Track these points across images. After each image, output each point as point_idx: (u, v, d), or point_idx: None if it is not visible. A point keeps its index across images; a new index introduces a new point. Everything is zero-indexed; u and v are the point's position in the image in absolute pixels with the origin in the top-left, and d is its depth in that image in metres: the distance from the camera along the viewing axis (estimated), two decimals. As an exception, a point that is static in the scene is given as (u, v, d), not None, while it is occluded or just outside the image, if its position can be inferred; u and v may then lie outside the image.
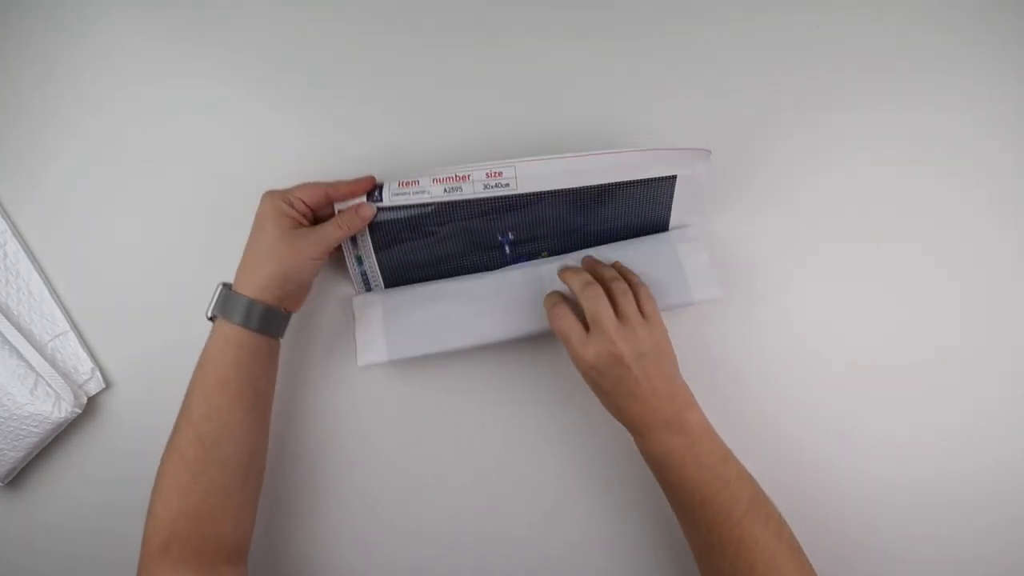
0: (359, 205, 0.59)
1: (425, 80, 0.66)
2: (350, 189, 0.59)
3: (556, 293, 0.60)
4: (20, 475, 0.66)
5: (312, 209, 0.59)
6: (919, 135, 0.66)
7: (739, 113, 0.66)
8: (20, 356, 0.63)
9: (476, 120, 0.66)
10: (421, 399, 0.66)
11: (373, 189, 0.60)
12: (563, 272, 0.61)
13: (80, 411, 0.64)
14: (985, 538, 0.64)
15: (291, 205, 0.58)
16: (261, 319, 0.57)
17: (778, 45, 0.66)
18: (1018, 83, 0.65)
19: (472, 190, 0.59)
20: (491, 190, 0.60)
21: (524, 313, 0.63)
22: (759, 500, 0.53)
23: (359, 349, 0.62)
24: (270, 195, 0.58)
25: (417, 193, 0.60)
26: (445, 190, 0.59)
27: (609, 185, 0.61)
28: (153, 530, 0.54)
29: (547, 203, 0.61)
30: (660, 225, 0.64)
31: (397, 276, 0.65)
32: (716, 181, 0.65)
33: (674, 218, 0.64)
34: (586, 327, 0.56)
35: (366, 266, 0.64)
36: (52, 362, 0.64)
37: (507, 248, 0.64)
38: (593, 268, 0.61)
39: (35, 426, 0.62)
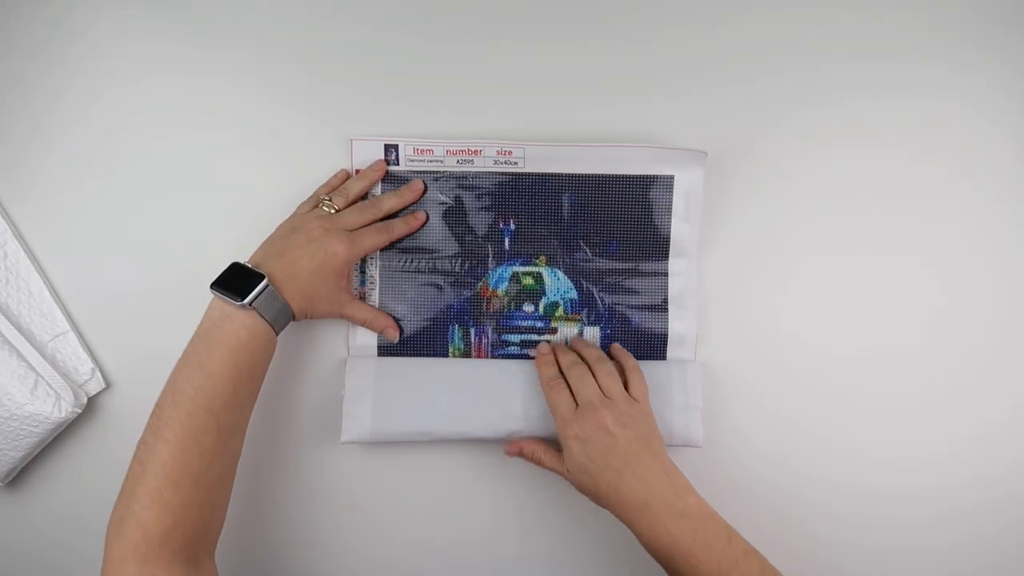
0: (387, 323, 0.65)
1: (432, 78, 0.66)
2: (408, 228, 0.64)
3: (553, 366, 0.61)
4: (20, 475, 0.66)
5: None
6: (921, 133, 0.66)
7: (737, 115, 0.66)
8: (20, 356, 0.63)
9: (481, 119, 0.66)
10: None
11: (389, 149, 0.64)
12: (552, 349, 0.63)
13: (80, 411, 0.64)
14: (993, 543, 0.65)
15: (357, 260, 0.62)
16: (285, 325, 0.58)
17: (778, 44, 0.66)
18: (1020, 78, 0.65)
19: (483, 164, 0.64)
20: (501, 166, 0.64)
21: (516, 412, 0.63)
22: (768, 572, 0.53)
23: (344, 426, 0.62)
24: (354, 246, 0.60)
25: (431, 161, 0.64)
26: (458, 161, 0.64)
27: (610, 178, 0.64)
28: (158, 516, 0.50)
29: (550, 194, 0.65)
30: (661, 241, 0.65)
31: (395, 252, 0.66)
32: (715, 184, 0.65)
33: (675, 231, 0.64)
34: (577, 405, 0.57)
35: None
36: (52, 362, 0.64)
37: (507, 241, 0.65)
38: (580, 348, 0.63)
39: (35, 426, 0.62)
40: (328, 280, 0.59)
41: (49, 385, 0.63)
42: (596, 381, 0.58)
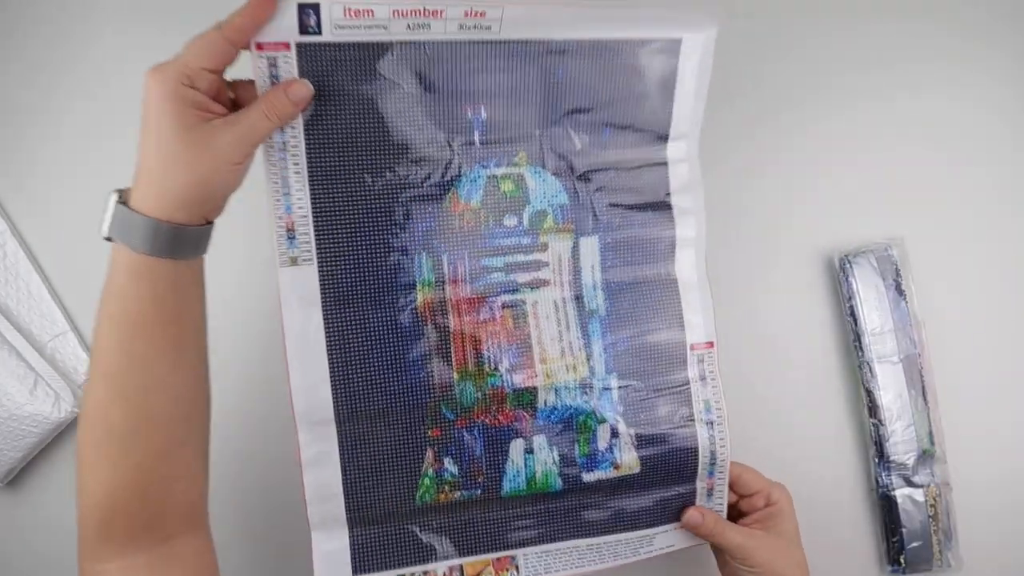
0: (289, 83, 0.45)
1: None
2: (250, 17, 0.43)
3: None
4: (19, 475, 0.66)
5: (218, 73, 0.44)
6: (927, 128, 0.66)
7: (739, 115, 0.66)
8: (20, 356, 0.63)
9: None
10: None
11: (306, 11, 0.44)
12: None
13: (79, 411, 0.64)
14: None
15: (192, 84, 0.43)
16: (173, 243, 0.43)
17: (778, 43, 0.66)
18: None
19: (444, 30, 0.47)
20: (468, 32, 0.47)
21: None
22: None
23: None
24: (160, 74, 0.42)
25: (369, 27, 0.46)
26: (409, 26, 0.46)
27: (604, 45, 0.50)
28: (88, 509, 0.45)
29: (531, 67, 0.50)
30: (661, 121, 0.54)
31: (331, 167, 0.48)
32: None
33: (678, 108, 0.53)
34: None
35: (287, 137, 0.47)
36: (52, 362, 0.64)
37: (477, 135, 0.50)
38: None
39: (34, 426, 0.62)
40: (183, 150, 0.42)
41: (48, 385, 0.63)
42: None
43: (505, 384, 0.53)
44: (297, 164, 0.48)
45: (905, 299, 0.63)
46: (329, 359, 0.49)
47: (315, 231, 0.49)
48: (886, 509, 0.63)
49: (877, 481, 0.63)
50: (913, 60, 0.65)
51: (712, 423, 0.56)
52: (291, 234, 0.48)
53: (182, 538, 0.47)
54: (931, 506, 0.62)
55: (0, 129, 0.66)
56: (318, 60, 0.46)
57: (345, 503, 0.51)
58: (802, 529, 0.55)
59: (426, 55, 0.48)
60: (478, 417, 0.52)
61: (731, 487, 0.56)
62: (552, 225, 0.53)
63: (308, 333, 0.49)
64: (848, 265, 0.63)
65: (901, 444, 0.62)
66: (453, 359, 0.52)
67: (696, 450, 0.55)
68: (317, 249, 0.49)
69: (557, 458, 0.53)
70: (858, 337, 0.63)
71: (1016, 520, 0.65)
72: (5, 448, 0.63)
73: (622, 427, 0.54)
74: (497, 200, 0.52)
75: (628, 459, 0.54)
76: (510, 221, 0.52)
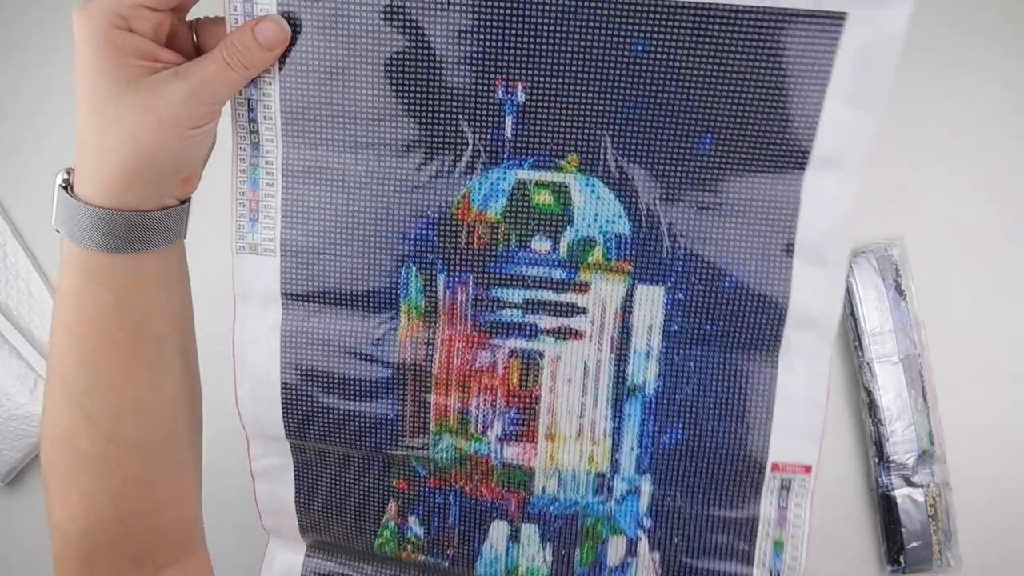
0: (259, 20, 0.34)
1: None
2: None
3: None
4: (20, 475, 0.66)
5: (163, 10, 0.34)
6: (927, 128, 0.65)
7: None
8: (20, 356, 0.63)
9: None
10: None
11: None
12: None
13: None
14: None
15: (129, 26, 0.33)
16: (127, 235, 0.35)
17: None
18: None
19: None
20: None
21: None
22: None
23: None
24: (86, 15, 0.33)
25: None
26: None
27: (717, 11, 0.34)
28: (64, 548, 0.38)
29: (598, 33, 0.35)
30: (799, 137, 0.36)
31: (310, 136, 0.38)
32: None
33: (828, 119, 0.36)
34: None
35: (259, 93, 0.37)
36: (52, 362, 0.64)
37: (511, 121, 0.37)
38: None
39: (34, 426, 0.62)
40: (120, 112, 0.33)
41: (49, 385, 0.63)
42: None
43: (493, 455, 0.41)
44: (270, 129, 0.38)
45: (905, 299, 0.63)
46: (282, 375, 0.41)
47: (283, 216, 0.39)
48: (886, 509, 0.62)
49: (877, 481, 0.63)
50: (912, 60, 0.65)
51: (779, 573, 0.41)
52: (254, 215, 0.39)
53: (175, 567, 0.41)
54: (931, 506, 0.62)
55: (1, 130, 0.66)
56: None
57: (299, 524, 0.45)
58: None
59: (448, 1, 0.35)
60: (456, 482, 0.42)
61: None
62: (601, 260, 0.39)
63: (261, 338, 0.41)
64: (848, 265, 0.63)
65: (901, 444, 0.62)
66: (432, 407, 0.41)
67: None
68: (282, 239, 0.39)
69: (549, 558, 0.42)
70: (858, 337, 0.63)
71: (1016, 520, 0.65)
72: (5, 448, 0.63)
73: (643, 546, 0.41)
74: (526, 214, 0.38)
75: None
76: (541, 245, 0.39)
